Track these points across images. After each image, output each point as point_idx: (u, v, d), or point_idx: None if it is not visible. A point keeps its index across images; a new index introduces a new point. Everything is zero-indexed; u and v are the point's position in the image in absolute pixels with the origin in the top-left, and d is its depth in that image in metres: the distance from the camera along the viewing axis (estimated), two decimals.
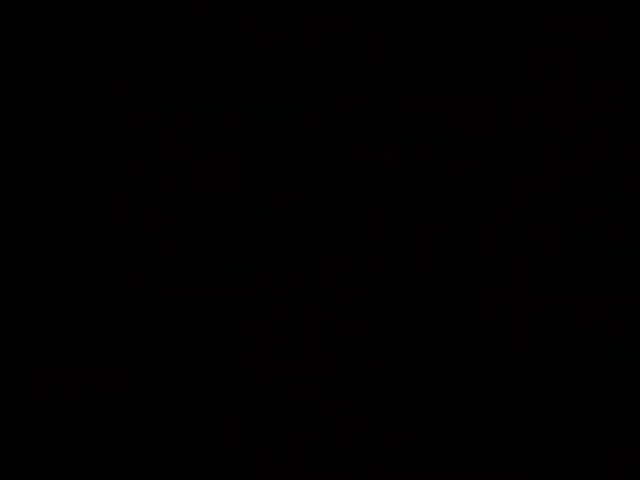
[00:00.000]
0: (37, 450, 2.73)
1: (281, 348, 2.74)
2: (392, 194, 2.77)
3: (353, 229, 2.77)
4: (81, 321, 2.75)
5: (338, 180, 2.78)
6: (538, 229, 2.75)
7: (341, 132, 2.78)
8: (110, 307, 2.75)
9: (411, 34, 2.78)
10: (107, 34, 2.79)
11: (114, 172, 2.78)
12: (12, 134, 2.78)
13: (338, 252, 2.77)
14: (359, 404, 2.73)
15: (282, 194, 2.77)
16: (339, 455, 2.71)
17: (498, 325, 2.72)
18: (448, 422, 2.72)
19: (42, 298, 2.75)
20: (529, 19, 2.77)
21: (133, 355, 2.74)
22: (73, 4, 2.79)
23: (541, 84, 2.77)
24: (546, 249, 2.75)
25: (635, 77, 2.77)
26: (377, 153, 2.76)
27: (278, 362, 2.73)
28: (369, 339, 2.74)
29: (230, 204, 2.77)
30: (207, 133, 2.78)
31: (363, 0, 2.78)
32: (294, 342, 2.75)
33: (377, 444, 2.71)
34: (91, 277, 2.76)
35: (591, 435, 2.71)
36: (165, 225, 2.77)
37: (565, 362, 2.73)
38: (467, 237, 2.75)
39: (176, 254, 2.76)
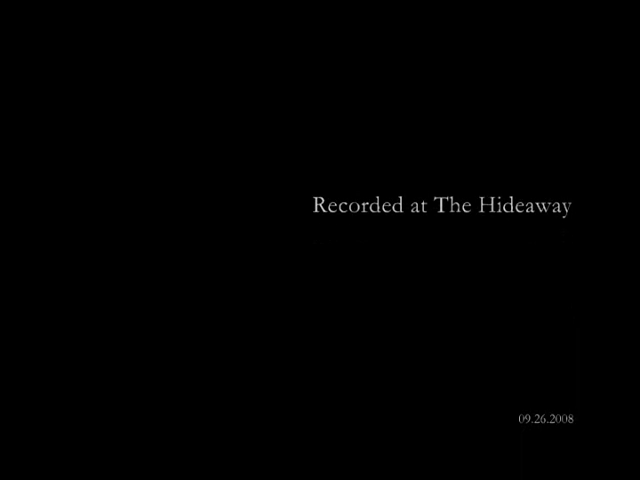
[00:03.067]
0: (37, 450, 2.74)
1: None
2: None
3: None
4: (81, 321, 2.76)
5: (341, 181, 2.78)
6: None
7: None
8: (110, 307, 2.76)
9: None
10: (107, 34, 2.81)
11: (114, 172, 2.79)
12: (12, 134, 2.79)
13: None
14: None
15: (281, 194, 2.78)
16: None
17: None
18: None
19: (42, 298, 2.76)
20: None
21: (133, 355, 2.75)
22: (73, 4, 2.80)
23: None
24: None
25: None
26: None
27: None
28: None
29: (230, 204, 2.78)
30: (207, 133, 2.79)
31: None
32: None
33: None
34: (91, 277, 2.77)
35: None
36: (165, 225, 2.78)
37: None
38: None
39: (176, 254, 2.77)
